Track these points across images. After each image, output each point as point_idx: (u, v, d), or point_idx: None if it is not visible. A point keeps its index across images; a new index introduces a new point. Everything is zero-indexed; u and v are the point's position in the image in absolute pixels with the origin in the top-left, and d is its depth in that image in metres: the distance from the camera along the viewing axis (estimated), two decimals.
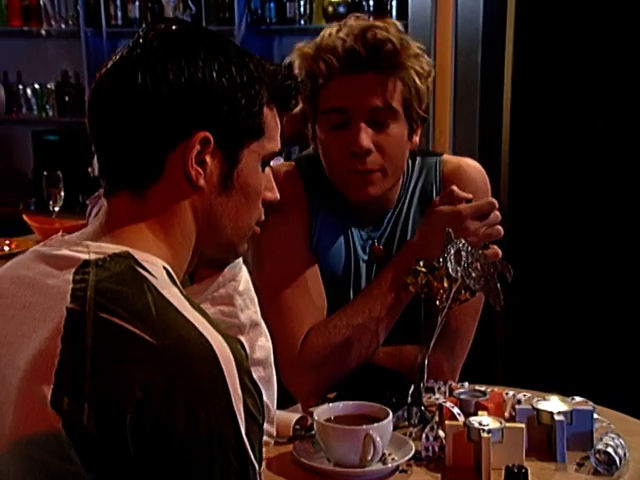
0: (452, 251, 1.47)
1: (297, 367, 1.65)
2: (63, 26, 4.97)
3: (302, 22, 4.21)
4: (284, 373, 1.59)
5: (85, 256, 1.01)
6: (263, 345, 1.37)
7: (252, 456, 0.96)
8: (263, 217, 1.17)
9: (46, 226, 3.14)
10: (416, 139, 1.70)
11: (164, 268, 1.03)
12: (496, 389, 1.59)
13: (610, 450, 1.38)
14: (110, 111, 1.06)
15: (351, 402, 1.47)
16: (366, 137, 1.61)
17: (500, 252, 1.58)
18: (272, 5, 4.28)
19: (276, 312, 1.66)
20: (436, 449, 1.42)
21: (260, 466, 0.99)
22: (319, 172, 1.72)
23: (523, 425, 1.41)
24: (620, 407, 1.62)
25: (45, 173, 3.62)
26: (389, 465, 1.39)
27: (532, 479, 1.31)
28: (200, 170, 1.05)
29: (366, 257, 1.76)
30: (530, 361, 3.32)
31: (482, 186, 1.76)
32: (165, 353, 0.92)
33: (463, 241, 1.49)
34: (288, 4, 4.24)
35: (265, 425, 1.35)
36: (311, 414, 1.45)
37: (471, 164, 1.80)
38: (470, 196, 1.61)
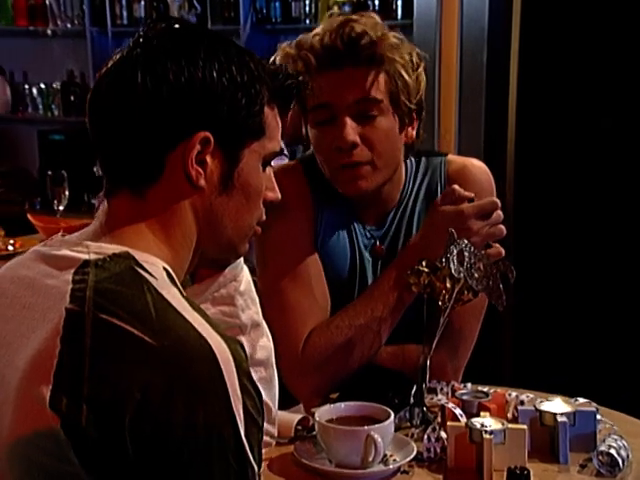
0: (455, 251, 1.47)
1: (299, 368, 1.65)
2: (69, 26, 4.98)
3: (307, 21, 4.21)
4: (286, 373, 1.59)
5: (85, 256, 1.00)
6: (264, 345, 1.37)
7: (251, 457, 0.96)
8: (264, 217, 1.17)
9: (50, 225, 3.15)
10: (412, 132, 1.70)
11: (164, 269, 1.03)
12: (499, 390, 1.58)
13: (613, 452, 1.38)
14: (110, 111, 1.06)
15: (352, 403, 1.47)
16: (351, 131, 1.61)
17: (503, 251, 1.58)
18: (277, 4, 4.28)
19: (279, 311, 1.66)
20: (438, 450, 1.42)
21: (260, 468, 0.99)
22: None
23: (525, 426, 1.40)
24: (624, 408, 1.61)
25: (50, 173, 3.63)
26: (390, 466, 1.39)
27: None
28: (200, 170, 1.05)
29: (369, 256, 1.75)
30: (536, 362, 3.31)
31: (487, 186, 1.75)
32: (164, 354, 0.92)
33: (466, 241, 1.49)
34: (293, 3, 4.24)
35: (267, 426, 1.35)
36: (313, 415, 1.45)
37: (476, 164, 1.79)
38: (472, 195, 1.61)
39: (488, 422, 1.38)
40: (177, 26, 1.10)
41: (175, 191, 1.06)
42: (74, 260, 1.00)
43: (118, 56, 1.08)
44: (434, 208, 1.64)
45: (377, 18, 1.66)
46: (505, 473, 1.31)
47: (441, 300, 1.50)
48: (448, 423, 1.42)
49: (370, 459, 1.35)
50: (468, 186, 1.65)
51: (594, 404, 1.52)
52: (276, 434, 1.42)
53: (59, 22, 5.00)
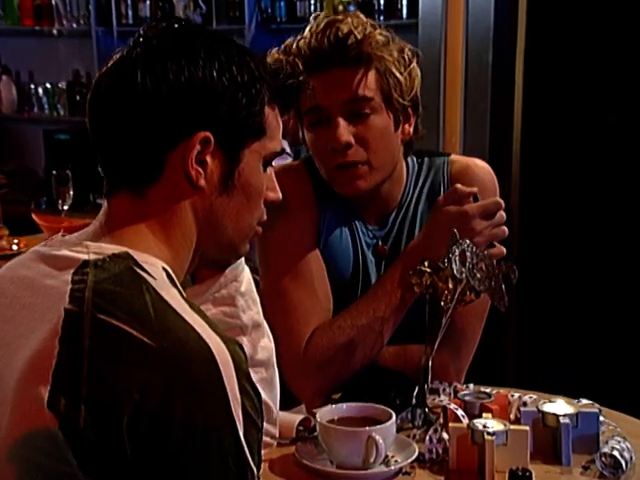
0: (457, 252, 1.46)
1: (301, 368, 1.65)
2: (74, 25, 5.00)
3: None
4: (288, 374, 1.59)
5: (84, 256, 1.00)
6: (265, 346, 1.36)
7: (250, 459, 0.95)
8: (265, 217, 1.17)
9: (55, 225, 3.15)
10: (409, 129, 1.69)
11: (163, 269, 1.02)
12: (501, 391, 1.57)
13: (616, 453, 1.37)
14: (110, 111, 1.06)
15: (354, 404, 1.46)
16: (344, 132, 1.61)
17: (505, 250, 1.58)
18: (282, 4, 4.28)
19: (282, 312, 1.66)
20: (440, 451, 1.41)
21: (259, 470, 0.99)
22: None
23: (527, 428, 1.39)
24: (628, 409, 1.61)
25: (54, 172, 3.63)
26: (392, 467, 1.38)
27: None
28: (200, 170, 1.05)
29: (372, 256, 1.75)
30: (539, 362, 3.30)
31: (490, 186, 1.74)
32: (163, 355, 0.92)
33: (468, 242, 1.48)
34: (298, 3, 4.24)
35: (268, 426, 1.35)
36: (314, 415, 1.45)
37: (479, 164, 1.79)
38: (475, 189, 1.60)
39: (490, 423, 1.37)
40: (177, 26, 1.09)
41: (175, 191, 1.06)
42: (73, 260, 1.00)
43: (118, 56, 1.08)
44: (437, 208, 1.63)
45: (363, 17, 1.66)
46: (507, 474, 1.29)
47: (443, 301, 1.49)
48: (450, 424, 1.41)
49: (371, 460, 1.35)
50: (471, 186, 1.65)
51: (597, 405, 1.51)
52: (277, 435, 1.42)
53: (65, 22, 5.01)
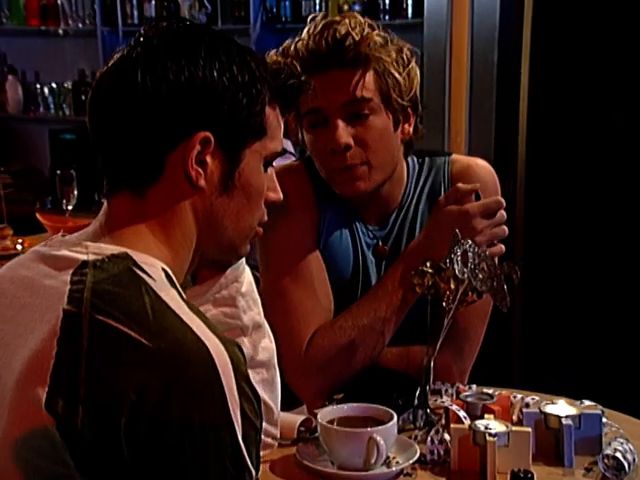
0: (459, 252, 1.46)
1: (302, 369, 1.64)
2: (80, 25, 5.00)
3: None
4: (289, 375, 1.59)
5: (84, 257, 1.00)
6: (266, 347, 1.36)
7: (248, 461, 0.95)
8: (266, 218, 1.16)
9: (59, 225, 3.15)
10: (408, 129, 1.69)
11: (163, 270, 1.02)
12: (504, 392, 1.57)
13: (619, 455, 1.36)
14: (110, 110, 1.05)
15: (355, 404, 1.46)
16: (343, 133, 1.60)
17: (504, 248, 1.57)
18: (287, 3, 4.28)
19: (282, 312, 1.66)
20: (441, 452, 1.41)
21: (257, 471, 0.98)
22: None
23: (529, 429, 1.39)
24: (631, 410, 1.60)
25: (59, 172, 3.63)
26: (393, 468, 1.38)
27: None
28: (200, 170, 1.05)
29: (372, 256, 1.75)
30: (542, 363, 3.30)
31: (491, 186, 1.74)
32: (161, 356, 0.91)
33: (470, 242, 1.48)
34: (303, 2, 4.24)
35: (269, 427, 1.35)
36: (315, 416, 1.44)
37: (481, 164, 1.78)
38: (478, 185, 1.60)
39: (492, 424, 1.37)
40: (178, 25, 1.09)
41: (175, 191, 1.05)
42: (73, 260, 1.00)
43: (118, 55, 1.08)
44: (438, 208, 1.63)
45: (361, 18, 1.65)
46: (509, 476, 1.29)
47: (445, 301, 1.49)
48: (452, 425, 1.41)
49: (372, 461, 1.34)
50: None
51: (600, 407, 1.51)
52: (278, 435, 1.41)
53: (70, 22, 5.02)
